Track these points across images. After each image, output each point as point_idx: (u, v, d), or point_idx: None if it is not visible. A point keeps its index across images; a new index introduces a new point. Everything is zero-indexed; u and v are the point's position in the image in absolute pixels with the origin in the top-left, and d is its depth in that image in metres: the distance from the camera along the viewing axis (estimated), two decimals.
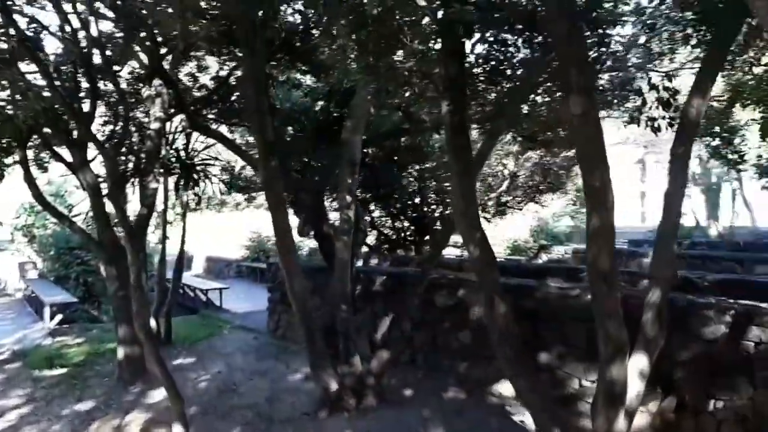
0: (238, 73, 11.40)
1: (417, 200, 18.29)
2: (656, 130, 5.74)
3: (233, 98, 12.13)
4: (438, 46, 6.27)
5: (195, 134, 13.45)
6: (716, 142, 18.69)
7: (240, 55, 10.46)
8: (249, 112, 7.75)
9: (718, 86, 14.63)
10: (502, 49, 5.27)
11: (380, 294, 11.19)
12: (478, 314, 9.46)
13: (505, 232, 23.83)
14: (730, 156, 18.35)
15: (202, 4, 8.01)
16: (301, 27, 10.77)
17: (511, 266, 14.68)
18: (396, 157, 15.01)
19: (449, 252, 20.12)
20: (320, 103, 13.29)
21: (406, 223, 19.06)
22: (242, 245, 28.26)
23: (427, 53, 5.88)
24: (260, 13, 7.60)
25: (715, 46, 4.95)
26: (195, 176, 13.51)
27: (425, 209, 18.49)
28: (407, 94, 7.16)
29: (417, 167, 16.99)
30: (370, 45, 6.13)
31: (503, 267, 13.81)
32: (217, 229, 28.90)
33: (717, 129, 17.54)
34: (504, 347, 5.29)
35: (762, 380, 6.35)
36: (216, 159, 13.87)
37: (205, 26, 8.07)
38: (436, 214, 18.92)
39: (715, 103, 16.33)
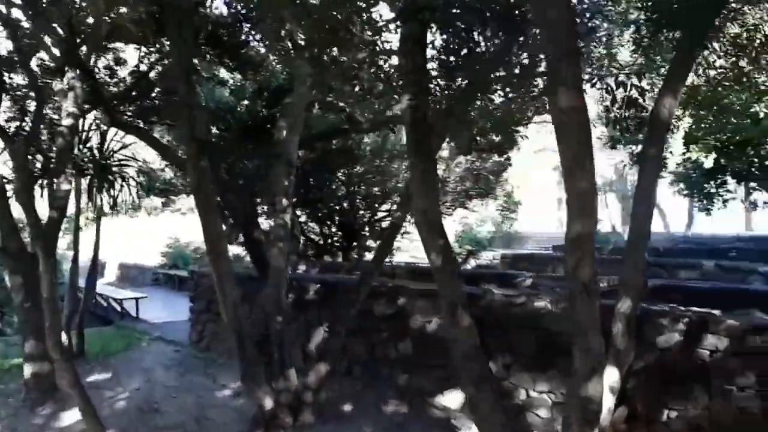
0: (160, 68, 10.72)
1: (345, 205, 17.83)
2: (625, 130, 5.52)
3: (153, 95, 11.41)
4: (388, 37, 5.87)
5: (110, 133, 12.59)
6: (639, 148, 19.10)
7: (166, 45, 9.84)
8: (177, 107, 7.09)
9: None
10: (469, 37, 4.87)
11: (314, 302, 10.65)
12: (420, 323, 9.09)
13: None
14: None
15: None
16: (229, 20, 10.22)
17: None
18: (326, 160, 14.55)
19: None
20: (246, 102, 12.73)
21: (333, 229, 18.60)
22: (159, 252, 26.99)
23: (378, 44, 5.44)
24: None
25: (686, 45, 4.74)
26: (110, 177, 12.62)
27: (354, 215, 18.06)
28: (356, 89, 6.68)
29: (346, 171, 16.56)
30: (314, 35, 5.66)
31: None
32: (131, 235, 27.56)
33: (640, 136, 17.91)
34: (468, 363, 4.90)
35: (718, 389, 6.21)
36: (133, 159, 12.97)
37: (131, 8, 7.34)
38: (365, 220, 18.57)
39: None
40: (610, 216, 34.86)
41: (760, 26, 5.58)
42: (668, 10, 5.18)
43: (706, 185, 20.48)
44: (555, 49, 3.58)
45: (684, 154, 15.08)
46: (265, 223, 12.17)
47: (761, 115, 11.21)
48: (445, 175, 17.15)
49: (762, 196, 21.42)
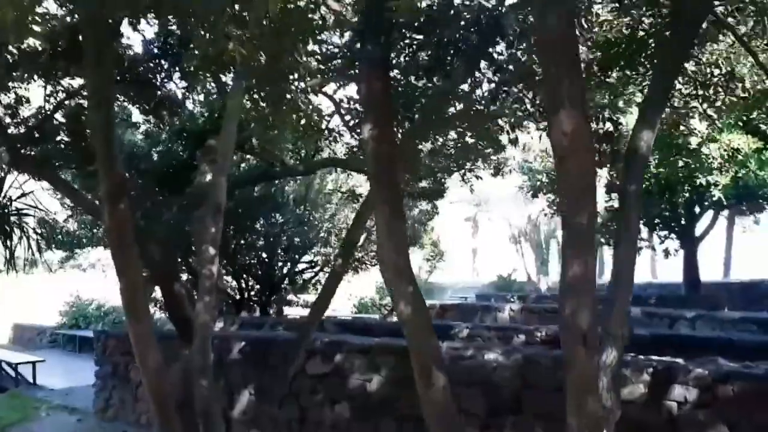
0: (66, 109, 9.84)
1: (264, 256, 17.05)
2: (600, 165, 5.18)
3: (59, 137, 10.47)
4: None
5: (8, 179, 11.44)
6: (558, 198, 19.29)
7: (74, 84, 9.11)
8: (92, 141, 6.26)
9: None
10: (433, 64, 4.42)
11: (238, 362, 9.77)
12: (359, 382, 8.40)
13: (352, 289, 22.97)
14: None
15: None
16: (146, 57, 9.58)
17: (373, 325, 13.78)
18: (247, 209, 13.82)
19: (299, 312, 18.98)
20: (160, 148, 11.98)
21: (251, 282, 17.72)
22: (58, 310, 25.00)
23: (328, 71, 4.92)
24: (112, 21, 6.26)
25: (662, 73, 4.46)
26: (7, 228, 11.40)
27: (273, 266, 17.28)
28: (301, 122, 6.09)
29: (267, 220, 15.86)
30: (252, 64, 5.09)
31: (366, 326, 12.96)
32: (27, 292, 25.47)
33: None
34: (443, 430, 4.30)
35: None
36: (35, 208, 11.79)
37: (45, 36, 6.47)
38: (285, 272, 17.82)
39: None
40: (525, 265, 35.36)
41: (720, 64, 5.46)
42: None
43: None
44: (555, 65, 3.16)
45: (607, 201, 15.23)
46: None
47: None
48: (371, 224, 16.70)
49: (673, 244, 22.06)
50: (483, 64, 4.56)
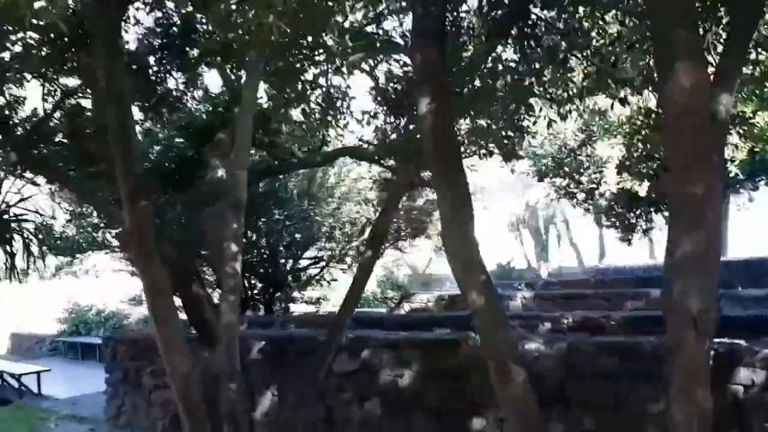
0: (66, 110, 9.41)
1: (267, 254, 16.64)
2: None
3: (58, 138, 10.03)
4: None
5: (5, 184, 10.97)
6: (566, 181, 19.00)
7: (70, 84, 8.73)
8: (111, 137, 5.80)
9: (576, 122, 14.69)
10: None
11: (258, 363, 9.37)
12: (389, 378, 8.04)
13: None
14: (579, 195, 18.72)
15: None
16: (146, 51, 9.17)
17: (383, 318, 13.40)
18: (250, 205, 13.38)
19: (304, 309, 18.61)
20: (160, 146, 11.56)
21: (253, 281, 17.31)
22: (56, 318, 24.47)
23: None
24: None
25: (738, 31, 4.09)
26: (7, 235, 10.93)
27: (276, 263, 16.87)
28: (339, 104, 5.69)
29: (269, 217, 15.44)
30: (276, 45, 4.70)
31: (372, 319, 12.59)
32: (21, 301, 24.95)
33: (567, 169, 17.85)
34: (523, 427, 3.94)
35: (759, 430, 5.52)
36: (37, 213, 11.31)
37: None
38: (287, 269, 17.42)
39: (571, 141, 16.55)
40: (525, 252, 35.09)
41: None
42: None
43: (628, 215, 20.62)
44: (668, 12, 2.79)
45: (618, 183, 14.92)
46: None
47: None
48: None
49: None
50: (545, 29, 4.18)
